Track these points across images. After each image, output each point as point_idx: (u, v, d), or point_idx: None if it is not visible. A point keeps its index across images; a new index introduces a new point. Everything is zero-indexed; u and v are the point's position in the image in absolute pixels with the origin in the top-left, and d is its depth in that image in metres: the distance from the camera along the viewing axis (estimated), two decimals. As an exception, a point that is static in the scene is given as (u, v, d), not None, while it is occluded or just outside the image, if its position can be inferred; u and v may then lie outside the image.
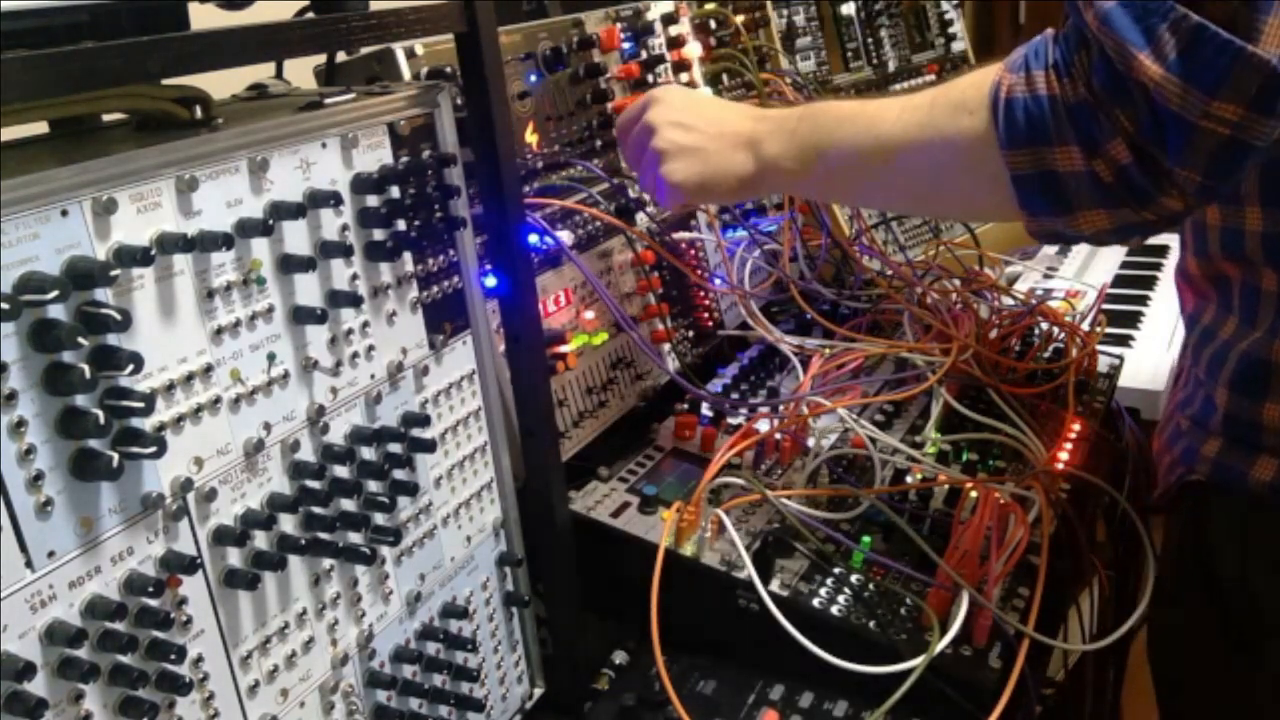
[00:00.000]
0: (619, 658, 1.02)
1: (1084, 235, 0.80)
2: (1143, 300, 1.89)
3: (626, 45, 1.34)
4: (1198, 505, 1.05)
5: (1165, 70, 0.69)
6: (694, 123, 1.03)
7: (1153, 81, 0.70)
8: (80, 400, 0.60)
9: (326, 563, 0.78)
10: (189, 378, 0.67)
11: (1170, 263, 2.05)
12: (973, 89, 0.81)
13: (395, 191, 0.82)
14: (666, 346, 1.30)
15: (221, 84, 0.78)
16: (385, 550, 0.84)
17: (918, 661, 0.88)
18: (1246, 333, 0.97)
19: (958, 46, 2.08)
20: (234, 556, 0.70)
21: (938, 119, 0.84)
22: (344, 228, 0.78)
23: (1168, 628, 1.14)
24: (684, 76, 1.45)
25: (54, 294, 0.56)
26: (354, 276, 0.79)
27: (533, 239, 1.10)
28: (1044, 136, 0.75)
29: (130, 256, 0.61)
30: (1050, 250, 2.10)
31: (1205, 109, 0.69)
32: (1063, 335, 1.43)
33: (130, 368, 0.60)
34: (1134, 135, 0.72)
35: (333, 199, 0.75)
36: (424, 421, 0.86)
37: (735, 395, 1.29)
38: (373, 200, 0.80)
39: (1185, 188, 0.73)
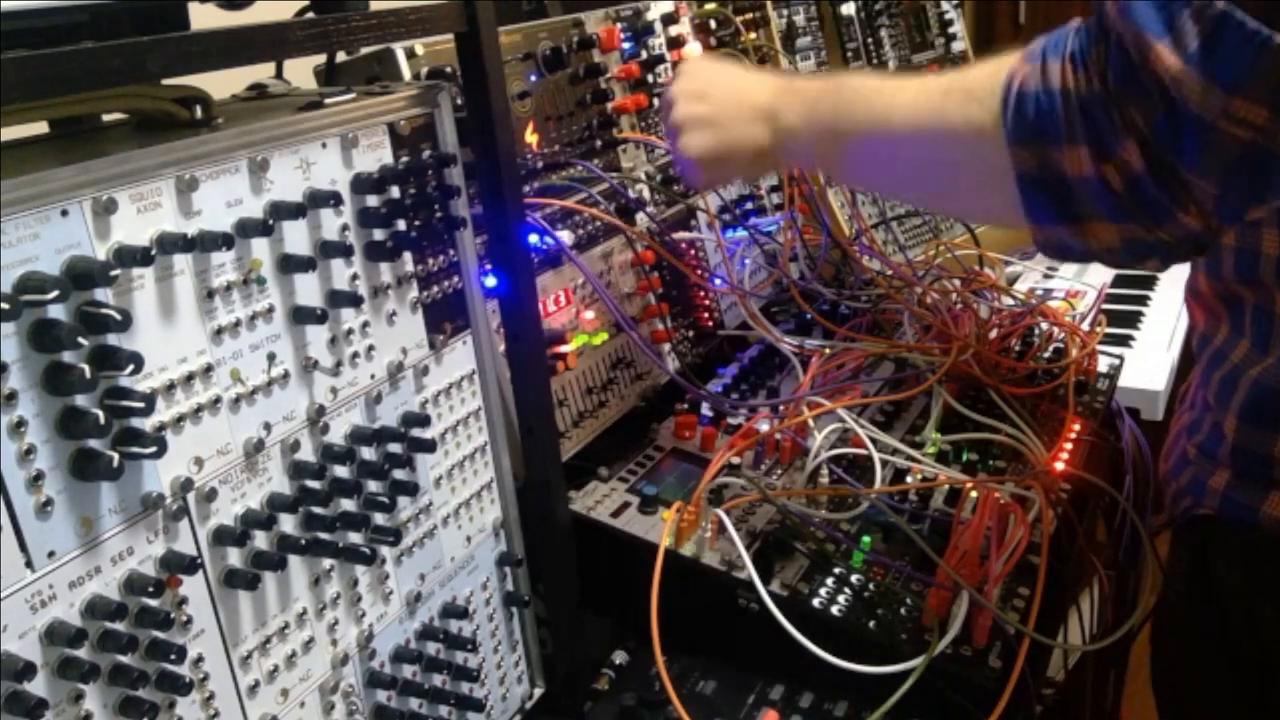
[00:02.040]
0: (619, 658, 1.02)
1: (1092, 251, 0.73)
2: (1143, 300, 1.89)
3: (626, 45, 1.33)
4: (1205, 538, 1.01)
5: (1184, 62, 0.63)
6: (712, 92, 1.00)
7: (1169, 74, 0.63)
8: (80, 400, 0.60)
9: (326, 563, 0.78)
10: (189, 378, 0.67)
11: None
12: (987, 77, 0.75)
13: (395, 191, 0.82)
14: (666, 346, 1.30)
15: (221, 84, 0.78)
16: (385, 550, 0.84)
17: (918, 661, 0.88)
18: (1259, 359, 0.92)
19: (958, 46, 2.07)
20: (234, 556, 0.70)
21: (948, 105, 0.78)
22: (344, 228, 0.78)
23: (1171, 650, 1.12)
24: (684, 76, 1.44)
25: (54, 294, 0.56)
26: (354, 276, 0.79)
27: (533, 239, 1.10)
28: (1053, 133, 0.69)
29: (130, 256, 0.61)
30: (1050, 250, 2.10)
31: (1225, 108, 0.62)
32: (1063, 335, 1.43)
33: (130, 368, 0.60)
34: (1148, 137, 0.66)
35: (333, 199, 0.75)
36: (424, 421, 0.86)
37: (735, 395, 1.29)
38: (373, 200, 0.80)
39: (1203, 202, 0.67)
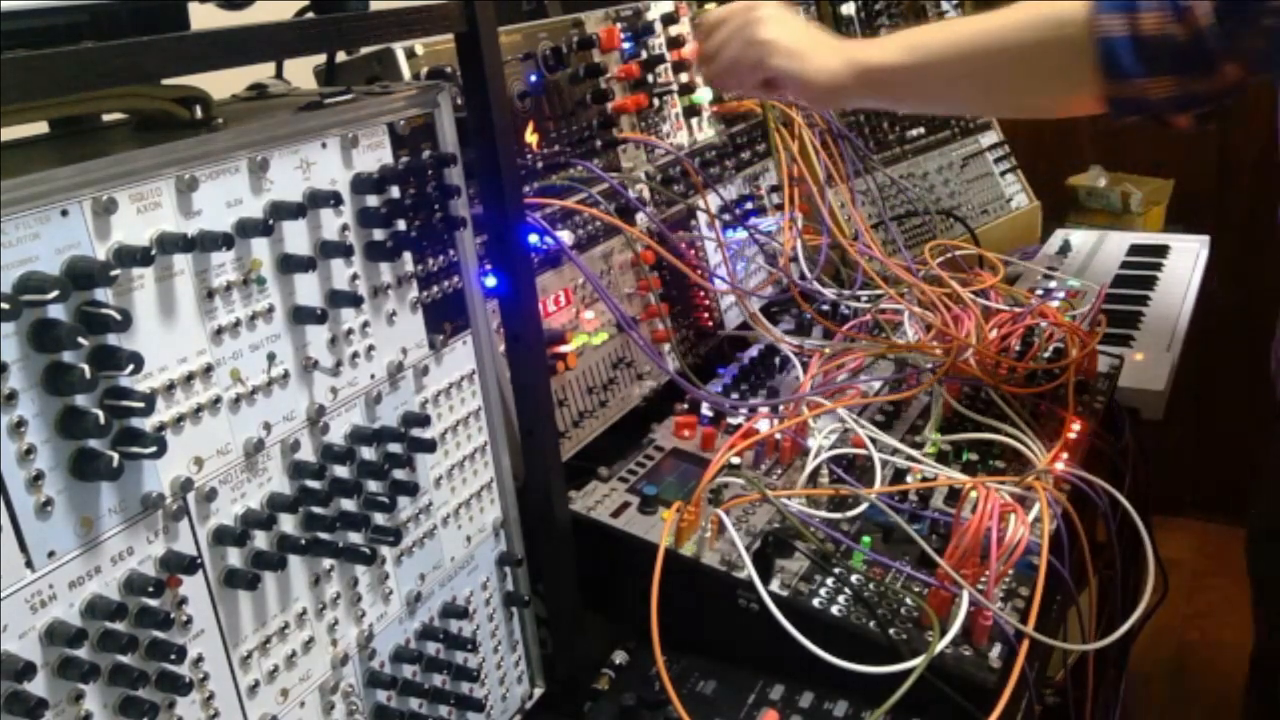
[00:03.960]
0: (619, 658, 1.02)
1: (1151, 101, 0.90)
2: (1143, 300, 1.89)
3: (626, 45, 1.34)
4: None
5: None
6: (798, 26, 1.17)
7: None
8: (80, 400, 0.60)
9: (326, 563, 0.78)
10: (189, 378, 0.67)
11: (1169, 263, 2.06)
12: None
13: (395, 191, 0.82)
14: (666, 346, 1.30)
15: (221, 84, 0.78)
16: (385, 550, 0.84)
17: (918, 661, 0.88)
18: None
19: (958, 46, 2.07)
20: (234, 556, 0.70)
21: (1033, 9, 0.96)
22: (344, 228, 0.78)
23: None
24: (684, 77, 1.45)
25: (54, 294, 0.56)
26: (354, 276, 0.79)
27: (533, 239, 1.10)
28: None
29: (130, 256, 0.61)
30: (1050, 250, 2.10)
31: None
32: (1063, 335, 1.43)
33: (130, 368, 0.60)
34: None
35: (333, 199, 0.75)
36: (424, 421, 0.86)
37: (735, 395, 1.29)
38: (373, 200, 0.80)
39: (1248, 54, 0.82)
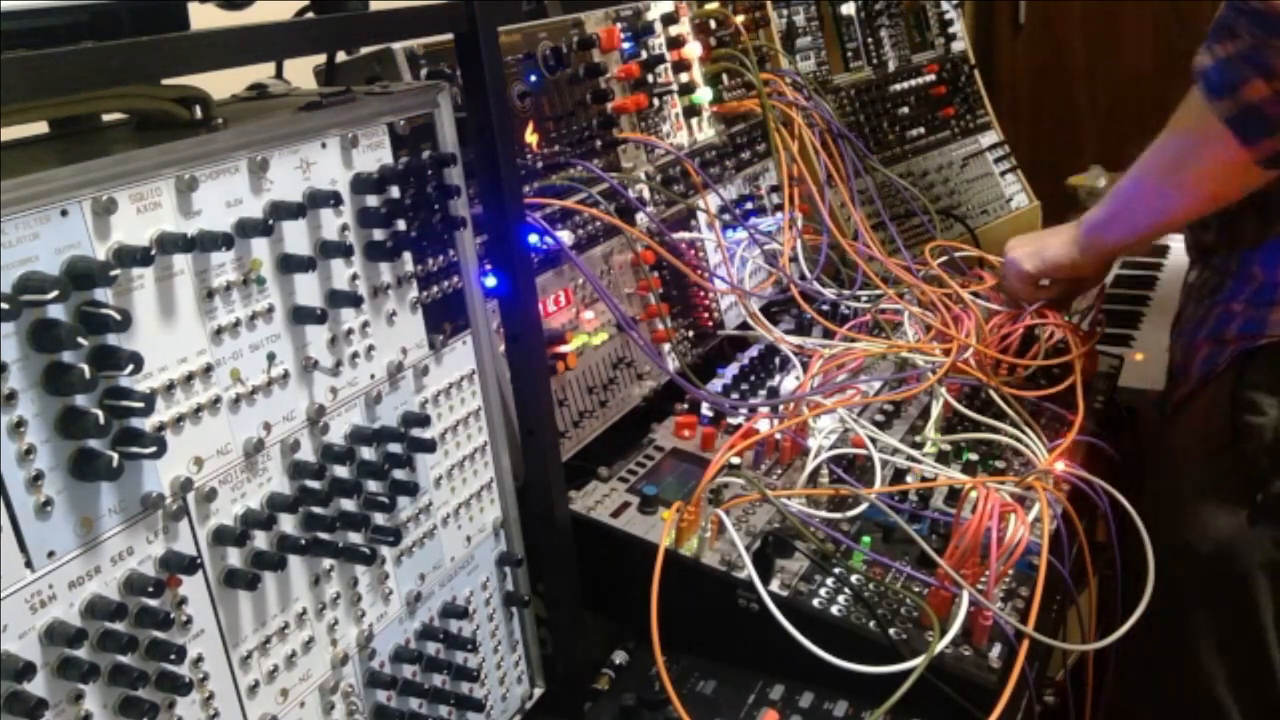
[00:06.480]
0: (619, 658, 1.02)
1: None
2: (1143, 300, 1.89)
3: (626, 45, 1.33)
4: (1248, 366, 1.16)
5: None
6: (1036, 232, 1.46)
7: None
8: (80, 400, 0.60)
9: (326, 563, 0.78)
10: (189, 378, 0.67)
11: (1169, 263, 2.06)
12: (1187, 94, 1.08)
13: (395, 191, 0.82)
14: (666, 346, 1.30)
15: (221, 84, 0.78)
16: (385, 550, 0.84)
17: (918, 661, 0.88)
18: None
19: (958, 46, 2.07)
20: (234, 556, 0.70)
21: (1174, 124, 1.13)
22: (344, 228, 0.78)
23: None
24: (684, 76, 1.45)
25: (54, 294, 0.56)
26: (354, 276, 0.79)
27: (533, 239, 1.10)
28: (1234, 80, 1.00)
29: (130, 256, 0.61)
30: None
31: None
32: (1063, 335, 1.43)
33: (130, 368, 0.60)
34: None
35: (333, 199, 0.75)
36: (424, 421, 0.86)
37: (735, 395, 1.29)
38: (373, 200, 0.80)
39: None
